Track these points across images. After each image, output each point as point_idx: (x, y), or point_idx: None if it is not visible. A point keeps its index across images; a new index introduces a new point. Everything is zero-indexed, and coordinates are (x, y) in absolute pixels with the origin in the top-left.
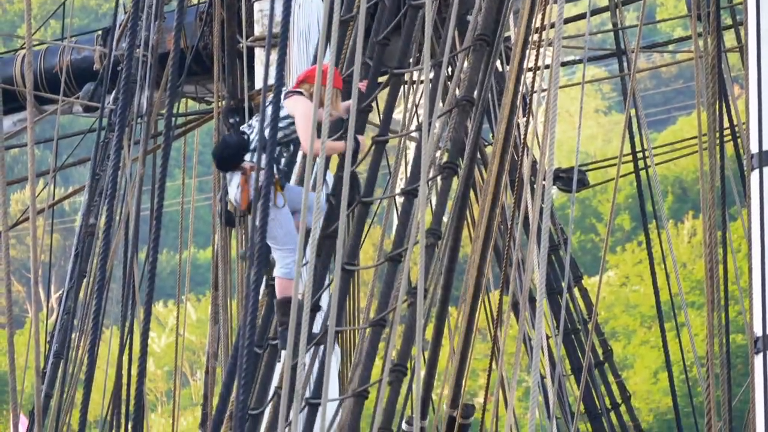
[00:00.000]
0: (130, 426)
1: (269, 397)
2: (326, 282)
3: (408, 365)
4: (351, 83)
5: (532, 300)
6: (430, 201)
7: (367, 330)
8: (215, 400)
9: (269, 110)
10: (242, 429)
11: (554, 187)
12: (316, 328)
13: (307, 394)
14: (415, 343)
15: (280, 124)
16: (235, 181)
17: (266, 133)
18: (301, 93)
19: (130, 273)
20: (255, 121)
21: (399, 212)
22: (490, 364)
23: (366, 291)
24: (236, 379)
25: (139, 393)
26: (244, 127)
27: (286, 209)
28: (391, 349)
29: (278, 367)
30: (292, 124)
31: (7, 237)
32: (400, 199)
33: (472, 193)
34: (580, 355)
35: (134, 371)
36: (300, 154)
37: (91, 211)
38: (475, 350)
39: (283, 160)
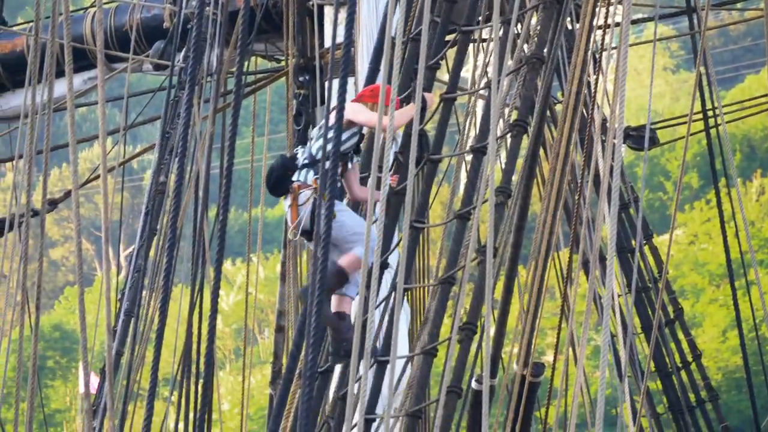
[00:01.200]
0: (200, 384)
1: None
2: (395, 240)
3: (478, 323)
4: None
5: (602, 258)
6: (500, 159)
7: (437, 288)
8: (285, 358)
9: (315, 129)
10: (311, 387)
11: (624, 145)
12: (386, 286)
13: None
14: (484, 301)
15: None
16: (287, 203)
17: (317, 150)
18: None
19: (200, 231)
20: (313, 137)
21: (468, 170)
22: (560, 322)
23: (435, 249)
24: (305, 337)
25: (209, 351)
26: (297, 149)
27: (343, 215)
28: (461, 307)
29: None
30: (351, 137)
31: (77, 195)
32: (468, 157)
33: (541, 152)
34: (650, 313)
35: (204, 329)
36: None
37: (161, 169)
38: (543, 309)
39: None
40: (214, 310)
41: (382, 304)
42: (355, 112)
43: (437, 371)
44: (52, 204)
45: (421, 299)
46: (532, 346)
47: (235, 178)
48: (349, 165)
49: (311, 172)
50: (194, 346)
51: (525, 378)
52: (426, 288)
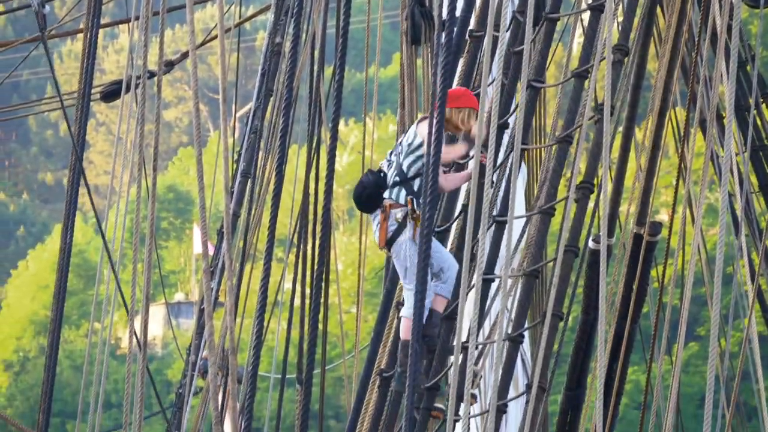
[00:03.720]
0: (316, 244)
1: (456, 215)
2: (513, 101)
3: (594, 182)
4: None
5: (719, 116)
6: (617, 17)
7: (554, 147)
8: None
9: (404, 142)
10: (428, 246)
11: (741, 2)
12: (503, 147)
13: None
14: (601, 160)
15: (417, 153)
16: (376, 220)
17: (408, 167)
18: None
19: (316, 92)
20: (393, 156)
21: (585, 29)
22: (677, 181)
23: (552, 109)
24: (423, 196)
25: (326, 211)
26: (383, 163)
27: (433, 243)
28: (578, 166)
29: (465, 184)
30: None
31: (194, 56)
32: (585, 16)
33: (658, 9)
34: (767, 171)
35: (321, 190)
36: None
37: (277, 30)
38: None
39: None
40: (331, 170)
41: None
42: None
43: (554, 231)
44: (169, 65)
45: (538, 159)
46: (649, 205)
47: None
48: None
49: (403, 191)
50: (310, 207)
51: (642, 237)
52: (543, 148)
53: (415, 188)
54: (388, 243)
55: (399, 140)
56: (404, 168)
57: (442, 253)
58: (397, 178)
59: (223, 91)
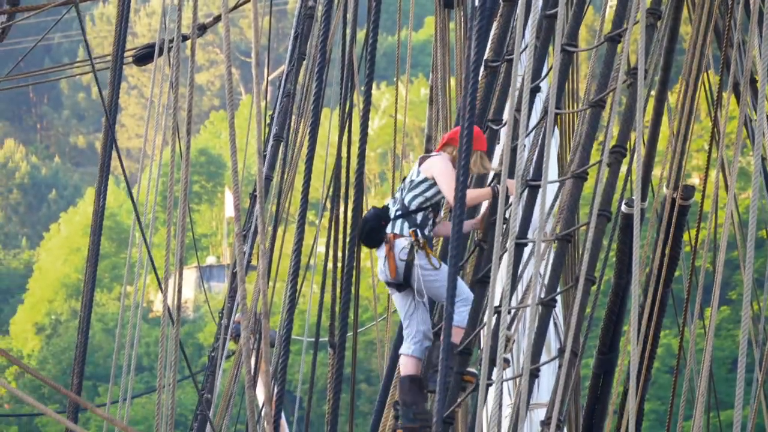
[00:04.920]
0: (349, 207)
1: (488, 180)
2: (545, 66)
3: (627, 147)
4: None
5: (752, 80)
6: None
7: (587, 111)
8: None
9: (407, 179)
10: (462, 212)
11: None
12: (536, 112)
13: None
14: (634, 124)
15: (419, 189)
16: (381, 253)
17: (409, 201)
18: (439, 155)
19: (349, 55)
20: (397, 194)
21: None
22: (710, 145)
23: (584, 73)
24: (458, 162)
25: (359, 175)
26: (388, 201)
27: (445, 268)
28: (611, 130)
29: (498, 149)
30: (432, 186)
31: (227, 19)
32: None
33: None
34: None
35: (353, 153)
36: (441, 214)
37: None
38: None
39: (428, 227)
40: (364, 134)
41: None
42: (440, 174)
43: (587, 195)
44: (201, 29)
45: (571, 123)
46: (682, 169)
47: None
48: (440, 214)
49: (406, 223)
50: (342, 171)
51: (675, 201)
52: (576, 112)
53: (418, 221)
54: (404, 281)
55: (403, 178)
56: (406, 202)
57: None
58: (399, 212)
59: (255, 55)
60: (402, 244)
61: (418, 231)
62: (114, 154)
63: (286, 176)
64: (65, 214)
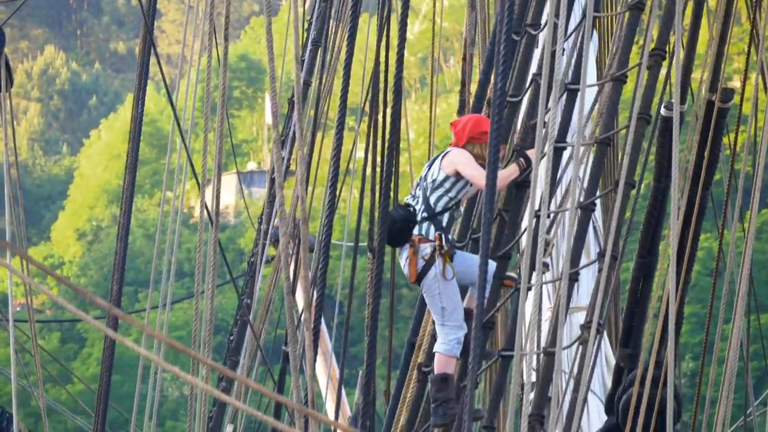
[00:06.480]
0: (388, 112)
1: (527, 84)
2: None
3: (666, 49)
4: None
5: None
6: None
7: (626, 14)
8: (472, 87)
9: (429, 178)
10: (501, 115)
11: None
12: (574, 15)
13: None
14: (673, 27)
15: (443, 188)
16: (404, 254)
17: (435, 202)
18: (457, 149)
19: None
20: (418, 191)
21: None
22: (749, 47)
23: None
24: (494, 66)
25: (398, 80)
26: (408, 199)
27: (455, 282)
28: (650, 33)
29: (536, 53)
30: (455, 184)
31: None
32: None
33: None
34: None
35: (392, 58)
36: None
37: None
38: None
39: (452, 229)
40: (403, 38)
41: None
42: (462, 164)
43: (626, 98)
44: None
45: (610, 27)
46: (721, 72)
47: None
48: (461, 210)
49: (432, 227)
50: (381, 76)
51: (714, 103)
52: (615, 15)
53: (444, 223)
54: (418, 278)
55: (422, 174)
56: (431, 203)
57: (454, 305)
58: (425, 214)
59: None
60: (426, 248)
61: (443, 235)
62: (153, 60)
63: (324, 81)
64: (105, 121)
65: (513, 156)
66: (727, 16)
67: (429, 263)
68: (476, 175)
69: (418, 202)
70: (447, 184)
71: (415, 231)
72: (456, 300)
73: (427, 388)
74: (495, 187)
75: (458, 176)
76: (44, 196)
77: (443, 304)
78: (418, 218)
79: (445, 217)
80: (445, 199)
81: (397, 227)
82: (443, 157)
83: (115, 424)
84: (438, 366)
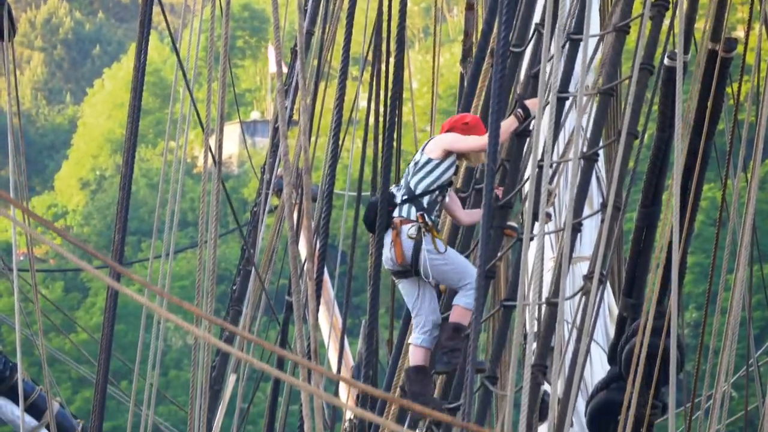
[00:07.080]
0: (391, 62)
1: (530, 34)
2: None
3: None
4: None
5: None
6: None
7: None
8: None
9: (411, 164)
10: (504, 65)
11: None
12: None
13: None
14: None
15: (424, 171)
16: (387, 240)
17: (415, 184)
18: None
19: None
20: (409, 172)
21: None
22: None
23: None
24: (497, 15)
25: (401, 29)
26: (393, 189)
27: (450, 250)
28: None
29: (539, 3)
30: (437, 166)
31: None
32: None
33: None
34: None
35: (395, 7)
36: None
37: None
38: None
39: (435, 211)
40: None
41: None
42: (452, 141)
43: (629, 49)
44: None
45: None
46: (724, 21)
47: None
48: (447, 198)
49: (413, 207)
50: (384, 25)
51: (717, 53)
52: None
53: (425, 204)
54: (413, 265)
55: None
56: (412, 186)
57: (461, 264)
58: (406, 196)
59: None
60: (410, 229)
61: (426, 215)
62: (157, 9)
63: (327, 31)
64: (109, 70)
65: (514, 106)
66: None
67: (417, 244)
68: (471, 141)
69: (401, 188)
70: (429, 167)
71: (395, 213)
72: (461, 259)
73: None
74: (498, 138)
75: (441, 159)
76: (48, 146)
77: (454, 269)
78: (398, 201)
79: (426, 199)
80: (427, 180)
81: (374, 212)
82: (428, 143)
83: (119, 374)
84: (455, 316)
